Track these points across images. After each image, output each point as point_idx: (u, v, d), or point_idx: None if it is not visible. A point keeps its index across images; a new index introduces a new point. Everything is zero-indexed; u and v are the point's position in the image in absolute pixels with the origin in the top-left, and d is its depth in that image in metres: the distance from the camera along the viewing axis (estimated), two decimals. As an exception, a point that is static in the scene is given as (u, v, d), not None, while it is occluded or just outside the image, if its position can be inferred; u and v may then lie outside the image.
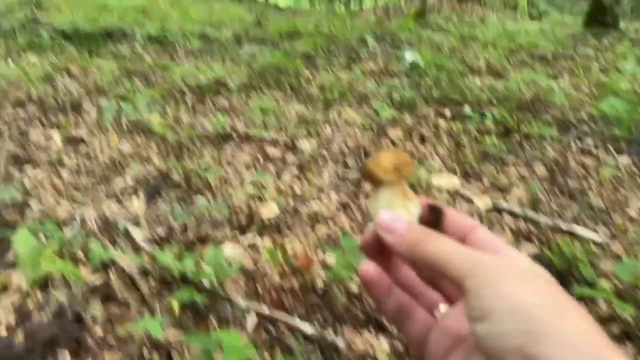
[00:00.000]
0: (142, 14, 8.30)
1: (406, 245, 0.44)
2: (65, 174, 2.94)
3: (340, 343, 1.49)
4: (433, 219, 0.47)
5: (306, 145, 3.57)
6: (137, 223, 2.31)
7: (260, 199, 2.46)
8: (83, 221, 2.24)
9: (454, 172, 3.32)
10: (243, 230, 2.26)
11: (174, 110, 4.04)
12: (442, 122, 4.19)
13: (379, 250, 0.48)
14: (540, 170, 3.27)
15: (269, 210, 2.32)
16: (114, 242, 2.13)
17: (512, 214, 2.67)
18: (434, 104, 4.69)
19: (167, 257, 1.80)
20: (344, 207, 2.66)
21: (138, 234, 2.21)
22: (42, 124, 3.69)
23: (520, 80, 4.91)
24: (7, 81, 4.36)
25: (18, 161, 3.06)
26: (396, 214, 0.47)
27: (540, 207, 2.77)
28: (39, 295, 1.75)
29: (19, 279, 1.84)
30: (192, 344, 1.44)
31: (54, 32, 5.94)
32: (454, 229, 0.47)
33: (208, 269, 1.67)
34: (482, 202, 2.54)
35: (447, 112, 4.43)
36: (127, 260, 1.86)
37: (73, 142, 3.40)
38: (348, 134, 3.93)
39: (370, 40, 7.25)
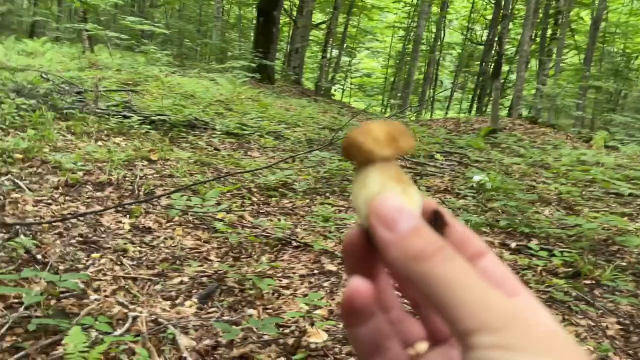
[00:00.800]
0: (224, 108, 8.85)
1: (404, 254, 0.32)
2: (127, 262, 3.02)
3: None
4: (433, 226, 0.35)
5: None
6: (185, 331, 2.30)
7: (312, 322, 2.39)
8: (135, 319, 2.26)
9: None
10: (288, 355, 2.19)
11: (239, 208, 4.14)
12: (506, 254, 4.04)
13: (365, 254, 0.37)
14: (613, 325, 3.02)
15: (317, 337, 2.24)
16: (160, 350, 2.11)
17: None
18: (500, 233, 4.56)
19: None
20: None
21: (184, 342, 2.19)
22: (116, 209, 3.88)
23: (594, 219, 4.72)
24: (93, 162, 4.68)
25: (87, 245, 3.19)
26: (401, 201, 0.35)
27: (612, 372, 2.53)
28: (78, 401, 1.73)
29: (62, 378, 1.84)
30: None
31: (142, 118, 6.40)
32: (457, 248, 0.34)
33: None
34: None
35: (513, 244, 4.28)
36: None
37: (140, 230, 3.53)
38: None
39: (438, 157, 7.31)
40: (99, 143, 5.68)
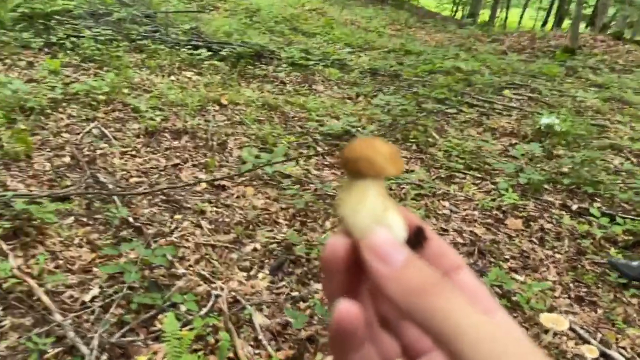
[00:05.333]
0: (289, 28, 8.75)
1: (403, 290, 0.33)
2: (205, 225, 3.36)
3: None
4: (414, 241, 0.37)
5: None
6: (260, 308, 2.63)
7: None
8: (217, 298, 2.60)
9: (567, 290, 3.28)
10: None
11: (305, 162, 4.35)
12: (566, 218, 4.09)
13: (349, 269, 0.36)
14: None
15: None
16: (238, 328, 2.46)
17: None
18: (563, 191, 4.56)
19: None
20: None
21: (259, 320, 2.53)
22: (192, 160, 4.18)
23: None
24: (169, 106, 4.94)
25: (169, 203, 3.53)
26: (391, 232, 0.36)
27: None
28: (177, 381, 2.11)
29: (161, 357, 2.22)
30: None
31: (211, 53, 6.53)
32: (434, 261, 0.36)
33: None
34: (589, 352, 2.53)
35: (574, 206, 4.30)
36: (248, 364, 2.16)
37: (215, 188, 3.83)
38: (465, 218, 3.98)
39: (507, 92, 7.08)
40: (172, 77, 5.92)
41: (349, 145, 0.37)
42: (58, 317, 2.33)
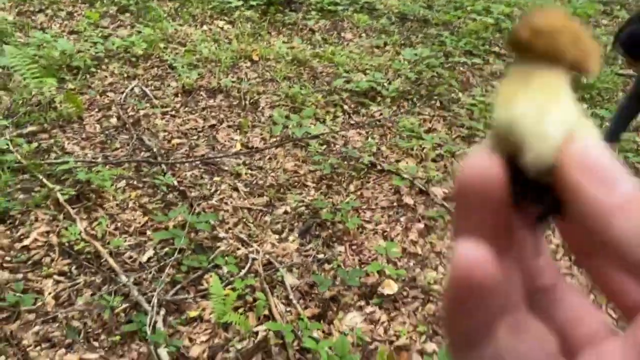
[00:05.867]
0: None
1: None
2: (242, 187, 3.74)
3: None
4: None
5: (439, 191, 4.00)
6: (290, 269, 3.04)
7: (384, 270, 3.03)
8: (253, 261, 3.02)
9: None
10: (367, 299, 2.89)
11: (332, 123, 4.62)
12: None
13: (499, 204, 0.25)
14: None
15: (390, 289, 2.91)
16: (272, 288, 2.89)
17: None
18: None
19: (308, 331, 2.51)
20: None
21: (290, 281, 2.95)
22: (227, 121, 4.50)
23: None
24: (203, 62, 5.20)
25: (208, 165, 3.91)
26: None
27: None
28: (223, 335, 2.57)
29: (209, 313, 2.68)
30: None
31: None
32: None
33: (336, 357, 2.35)
34: None
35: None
36: (280, 323, 2.60)
37: (249, 149, 4.17)
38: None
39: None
40: (204, 27, 6.12)
41: (533, 14, 0.26)
42: (123, 277, 2.79)
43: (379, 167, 4.10)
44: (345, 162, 4.09)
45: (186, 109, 4.58)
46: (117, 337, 2.48)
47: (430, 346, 2.67)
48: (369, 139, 4.43)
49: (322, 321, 2.71)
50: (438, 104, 5.22)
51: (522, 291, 0.28)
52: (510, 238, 0.27)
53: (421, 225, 3.58)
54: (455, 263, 0.24)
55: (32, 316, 2.52)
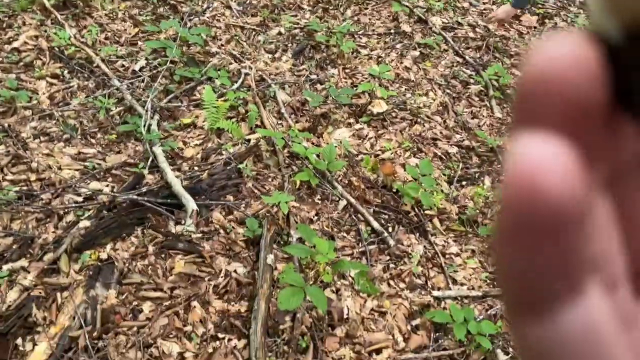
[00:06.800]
0: None
1: None
2: (234, 6, 3.61)
3: (391, 241, 2.33)
4: None
5: (439, 20, 3.90)
6: (283, 87, 3.07)
7: (374, 91, 3.07)
8: (246, 75, 3.03)
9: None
10: (356, 117, 2.97)
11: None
12: (581, 18, 4.21)
13: (589, 101, 0.15)
14: None
15: (379, 107, 2.97)
16: (264, 103, 2.93)
17: None
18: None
19: (298, 138, 2.60)
20: (445, 107, 3.21)
21: (282, 97, 2.99)
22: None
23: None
24: None
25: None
26: None
27: None
28: (216, 140, 2.66)
29: (202, 120, 2.75)
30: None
31: None
32: None
33: (323, 163, 2.47)
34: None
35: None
36: (271, 130, 2.68)
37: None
38: (483, 12, 4.13)
39: None
40: None
41: None
42: (116, 82, 2.80)
43: (378, -6, 3.94)
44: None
45: None
46: (114, 136, 2.57)
47: (414, 161, 2.80)
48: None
49: (312, 134, 2.80)
50: None
51: (624, 258, 0.17)
52: (607, 155, 0.17)
53: (416, 53, 3.55)
54: (516, 168, 0.14)
55: (28, 112, 2.57)
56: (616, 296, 0.16)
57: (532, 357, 0.16)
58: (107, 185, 2.31)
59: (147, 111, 2.67)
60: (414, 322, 2.06)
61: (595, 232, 0.16)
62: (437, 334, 2.02)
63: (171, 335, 1.84)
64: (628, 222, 0.17)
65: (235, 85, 2.96)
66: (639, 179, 0.17)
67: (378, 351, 1.94)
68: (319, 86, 3.15)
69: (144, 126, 2.57)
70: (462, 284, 2.24)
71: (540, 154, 0.14)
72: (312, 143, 2.75)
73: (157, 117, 2.71)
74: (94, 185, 2.30)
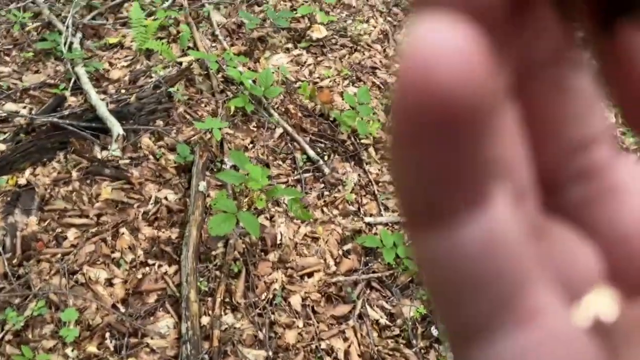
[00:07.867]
0: None
1: None
2: None
3: (326, 169, 2.33)
4: None
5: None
6: (218, 6, 2.90)
7: (314, 15, 2.96)
8: (177, -7, 2.84)
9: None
10: (295, 42, 2.87)
11: None
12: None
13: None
14: None
15: (319, 33, 2.88)
16: (197, 24, 2.78)
17: None
18: None
19: (233, 62, 2.50)
20: (385, 35, 3.16)
21: (216, 18, 2.84)
22: None
23: None
24: None
25: None
26: None
27: None
28: (145, 62, 2.51)
29: (129, 40, 2.58)
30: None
31: None
32: None
33: (259, 89, 2.39)
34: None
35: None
36: (205, 53, 2.55)
37: None
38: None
39: None
40: None
41: None
42: (31, -5, 2.56)
43: None
44: None
45: None
46: (30, 54, 2.37)
47: (352, 90, 2.77)
48: None
49: (248, 59, 2.70)
50: None
51: (531, 168, 0.15)
52: (515, 52, 0.14)
53: (359, -21, 3.43)
54: (408, 55, 0.11)
55: None
56: (524, 208, 0.15)
57: (431, 272, 0.14)
58: (25, 107, 2.16)
59: (67, 28, 2.47)
60: (346, 247, 2.10)
61: (500, 136, 0.13)
62: (367, 258, 2.08)
63: (98, 262, 1.79)
64: (536, 128, 0.15)
65: (166, 4, 2.77)
66: (555, 77, 0.15)
67: (310, 275, 1.98)
68: (256, 8, 3.00)
69: (65, 44, 2.38)
70: (393, 211, 2.29)
71: (438, 37, 0.11)
72: (248, 68, 2.65)
73: (79, 35, 2.52)
74: (9, 106, 2.14)
